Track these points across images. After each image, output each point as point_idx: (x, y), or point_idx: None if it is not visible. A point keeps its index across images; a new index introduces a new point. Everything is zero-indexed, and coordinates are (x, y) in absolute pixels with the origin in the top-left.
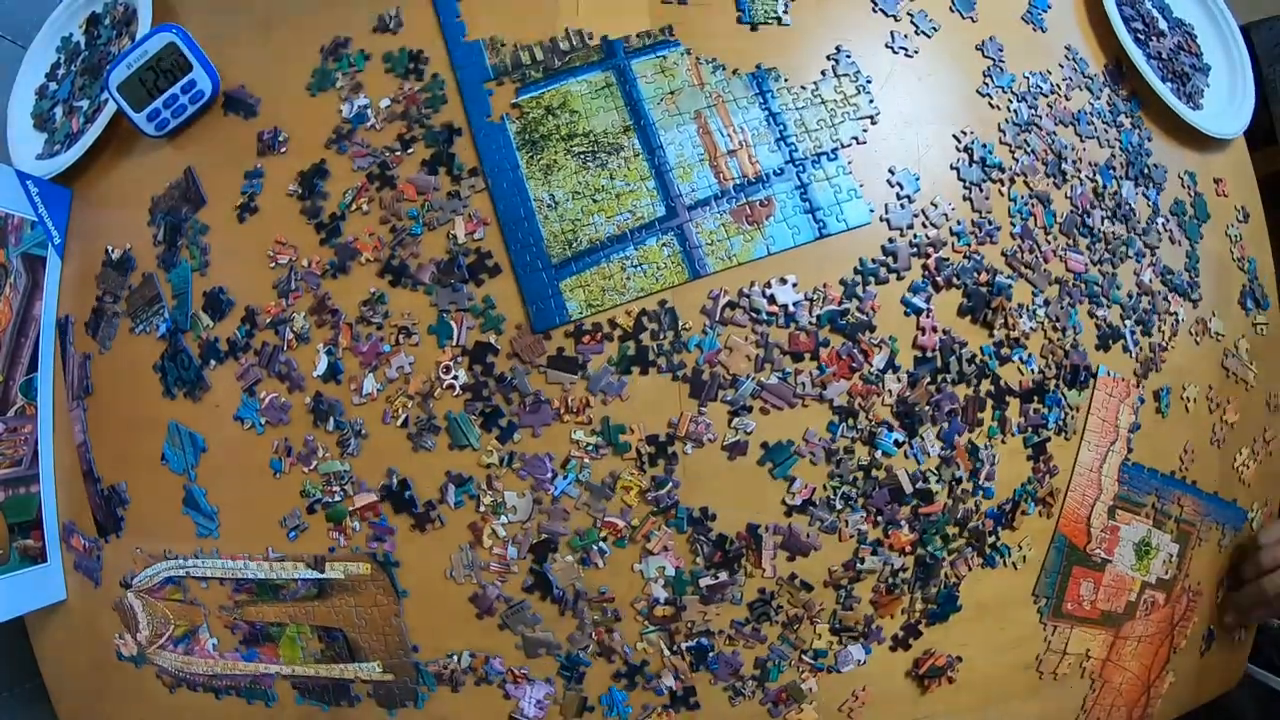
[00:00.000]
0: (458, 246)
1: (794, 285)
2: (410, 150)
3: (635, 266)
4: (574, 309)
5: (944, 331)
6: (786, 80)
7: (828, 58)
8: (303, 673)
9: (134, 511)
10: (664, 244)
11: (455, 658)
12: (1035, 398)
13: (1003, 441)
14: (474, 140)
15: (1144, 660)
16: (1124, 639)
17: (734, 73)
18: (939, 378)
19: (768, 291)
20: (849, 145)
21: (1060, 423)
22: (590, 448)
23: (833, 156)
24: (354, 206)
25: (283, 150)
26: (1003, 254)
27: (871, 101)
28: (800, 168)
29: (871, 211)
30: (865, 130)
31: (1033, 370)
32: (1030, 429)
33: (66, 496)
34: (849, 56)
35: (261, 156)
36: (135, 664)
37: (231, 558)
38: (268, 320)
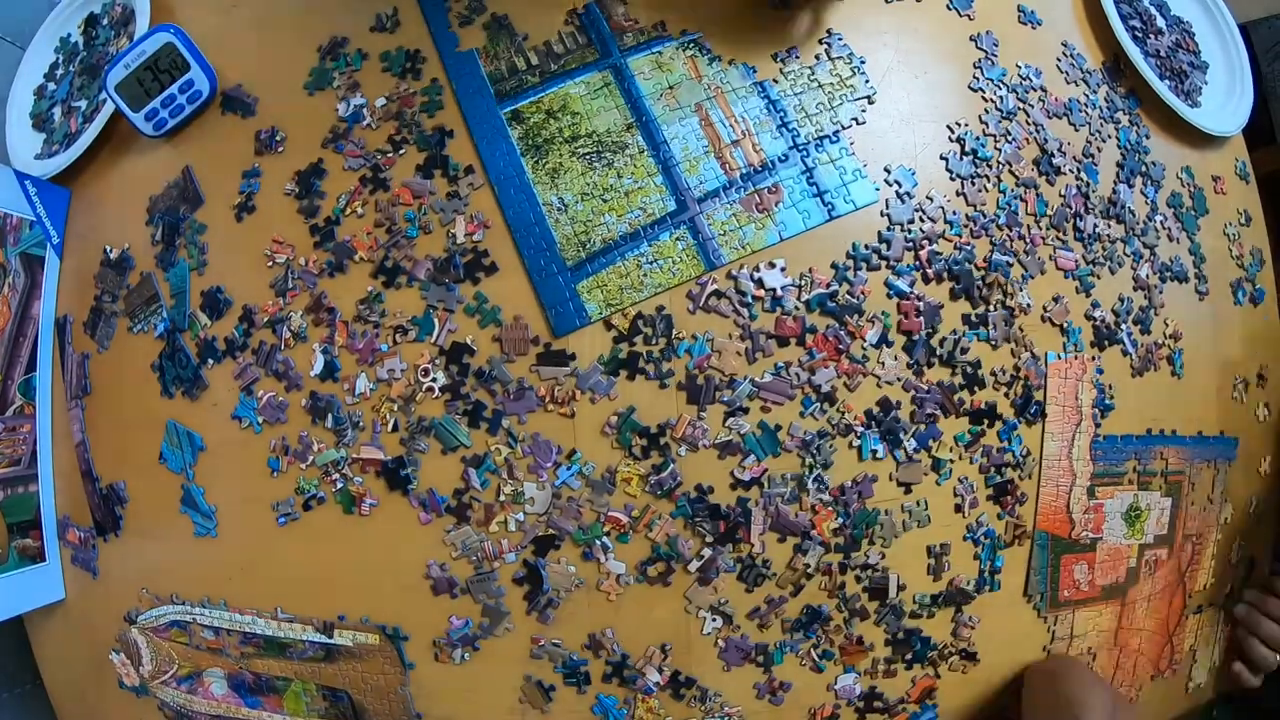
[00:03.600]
0: (456, 246)
1: (782, 270)
2: (402, 152)
3: (651, 262)
4: (593, 310)
5: (929, 309)
6: (782, 67)
7: (820, 42)
8: None
9: (132, 510)
10: (678, 238)
11: None
12: (986, 420)
13: (962, 457)
14: (476, 149)
15: (1159, 615)
16: (1133, 603)
17: (730, 63)
18: (925, 362)
19: (755, 275)
20: (849, 126)
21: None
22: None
23: (835, 139)
24: (348, 210)
25: (280, 149)
26: (991, 243)
27: (868, 82)
28: (804, 152)
29: (877, 190)
30: (864, 111)
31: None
32: (992, 468)
33: (64, 495)
34: (841, 39)
35: (259, 156)
36: (136, 694)
37: (240, 611)
38: (265, 319)
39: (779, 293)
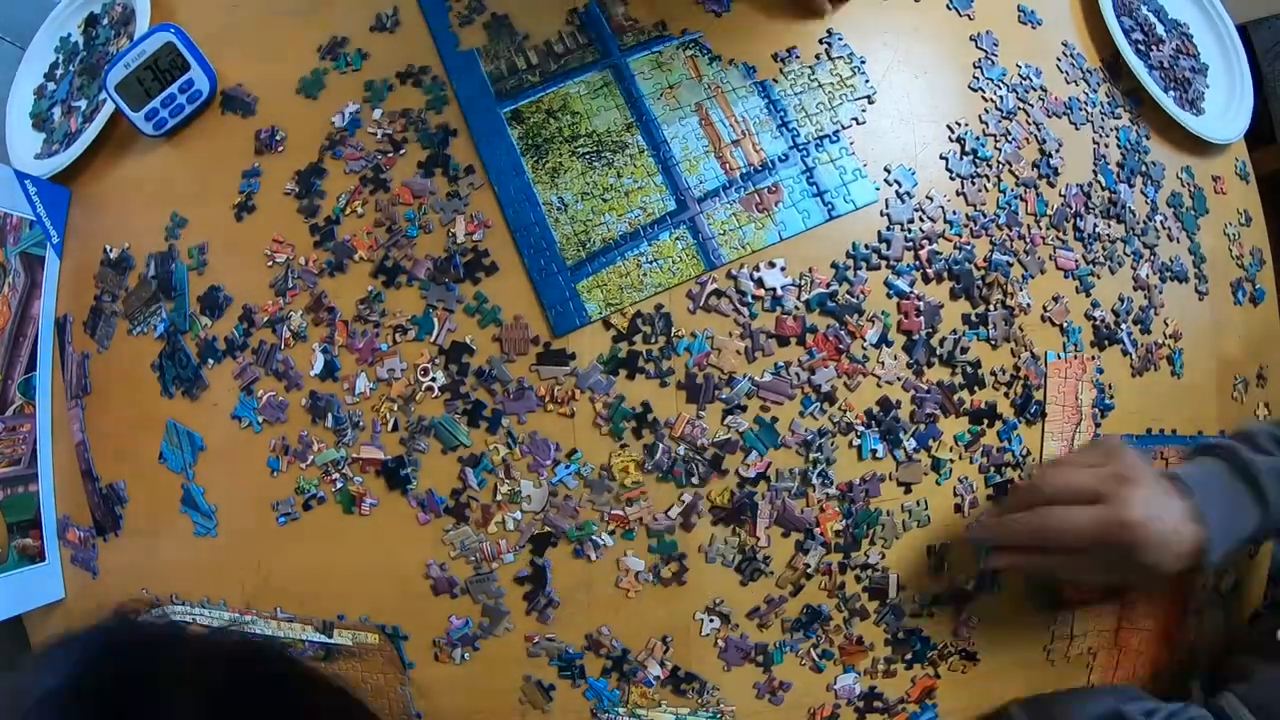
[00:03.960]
0: (455, 246)
1: (782, 269)
2: (403, 151)
3: (651, 262)
4: (593, 310)
5: (929, 309)
6: (782, 67)
7: (820, 41)
8: None
9: (132, 510)
10: (677, 238)
11: None
12: (986, 420)
13: (961, 457)
14: (477, 149)
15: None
16: (1133, 603)
17: (730, 62)
18: (925, 362)
19: (755, 275)
20: (849, 126)
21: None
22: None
23: (835, 139)
24: (348, 210)
25: (280, 149)
26: (991, 243)
27: (868, 81)
28: (804, 152)
29: (878, 190)
30: (864, 110)
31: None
32: (992, 468)
33: (64, 495)
34: (841, 39)
35: (259, 155)
36: None
37: (240, 611)
38: (265, 319)
39: (779, 292)
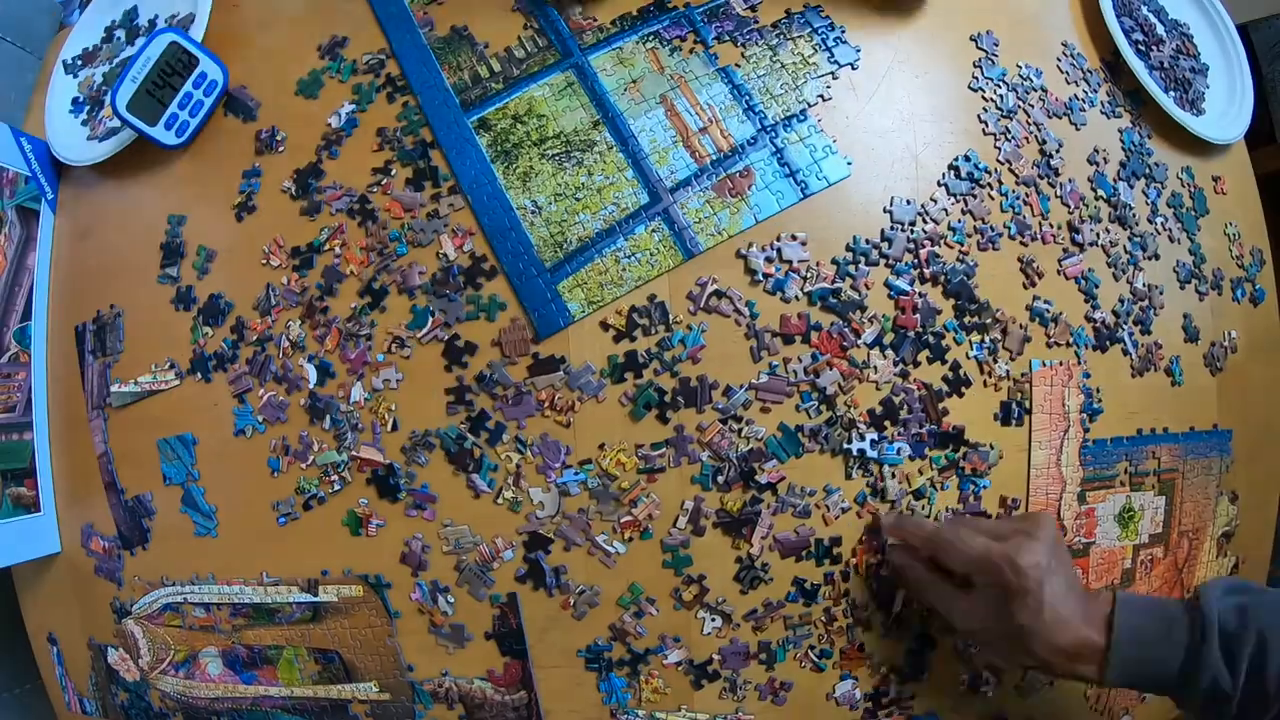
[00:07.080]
0: (450, 262)
1: (803, 244)
2: (392, 174)
3: (629, 257)
4: (575, 309)
5: (927, 307)
6: (744, 51)
7: (778, 23)
8: (301, 694)
9: (160, 522)
10: (653, 230)
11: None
12: (953, 444)
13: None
14: (447, 160)
15: None
16: None
17: (690, 52)
18: (911, 361)
19: (776, 245)
20: (815, 104)
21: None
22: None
23: (802, 117)
24: (327, 247)
25: (280, 149)
26: (991, 243)
27: (830, 58)
28: (773, 133)
29: (849, 165)
30: (829, 87)
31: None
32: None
33: (88, 503)
34: (801, 18)
35: (259, 155)
36: (137, 689)
37: (227, 582)
38: (262, 332)
39: (788, 269)
